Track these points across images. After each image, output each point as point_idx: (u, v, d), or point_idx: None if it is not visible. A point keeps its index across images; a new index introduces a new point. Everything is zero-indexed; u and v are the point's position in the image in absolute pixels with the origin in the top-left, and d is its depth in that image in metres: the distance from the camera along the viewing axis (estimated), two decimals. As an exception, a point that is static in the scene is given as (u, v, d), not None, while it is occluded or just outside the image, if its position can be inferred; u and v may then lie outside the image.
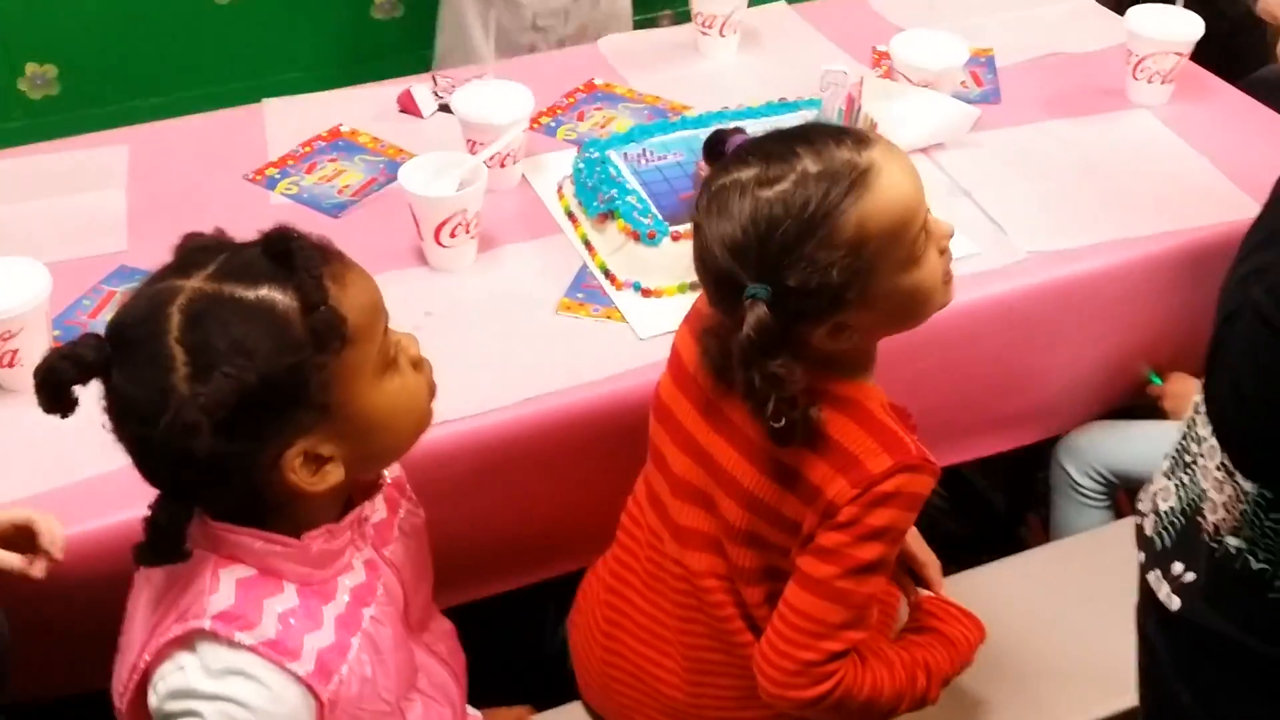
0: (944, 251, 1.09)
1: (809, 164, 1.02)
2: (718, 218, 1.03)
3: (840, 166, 1.02)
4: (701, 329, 1.13)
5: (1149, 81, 1.82)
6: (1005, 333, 1.53)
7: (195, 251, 0.96)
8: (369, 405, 0.98)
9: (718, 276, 1.04)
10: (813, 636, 1.07)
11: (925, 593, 1.28)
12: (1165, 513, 1.05)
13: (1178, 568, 1.02)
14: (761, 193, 1.01)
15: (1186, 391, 1.56)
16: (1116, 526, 1.64)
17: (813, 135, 1.05)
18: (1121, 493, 1.75)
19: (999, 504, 2.20)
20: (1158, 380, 1.67)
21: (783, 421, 1.01)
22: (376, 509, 1.12)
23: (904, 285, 1.05)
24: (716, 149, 1.10)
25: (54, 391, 0.92)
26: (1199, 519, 1.00)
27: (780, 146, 1.04)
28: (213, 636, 0.96)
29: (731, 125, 1.13)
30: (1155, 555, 1.05)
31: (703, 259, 1.06)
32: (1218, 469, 0.98)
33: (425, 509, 1.20)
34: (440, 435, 1.26)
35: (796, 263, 0.99)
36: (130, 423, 0.92)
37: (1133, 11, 1.83)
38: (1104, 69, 1.92)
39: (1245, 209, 1.58)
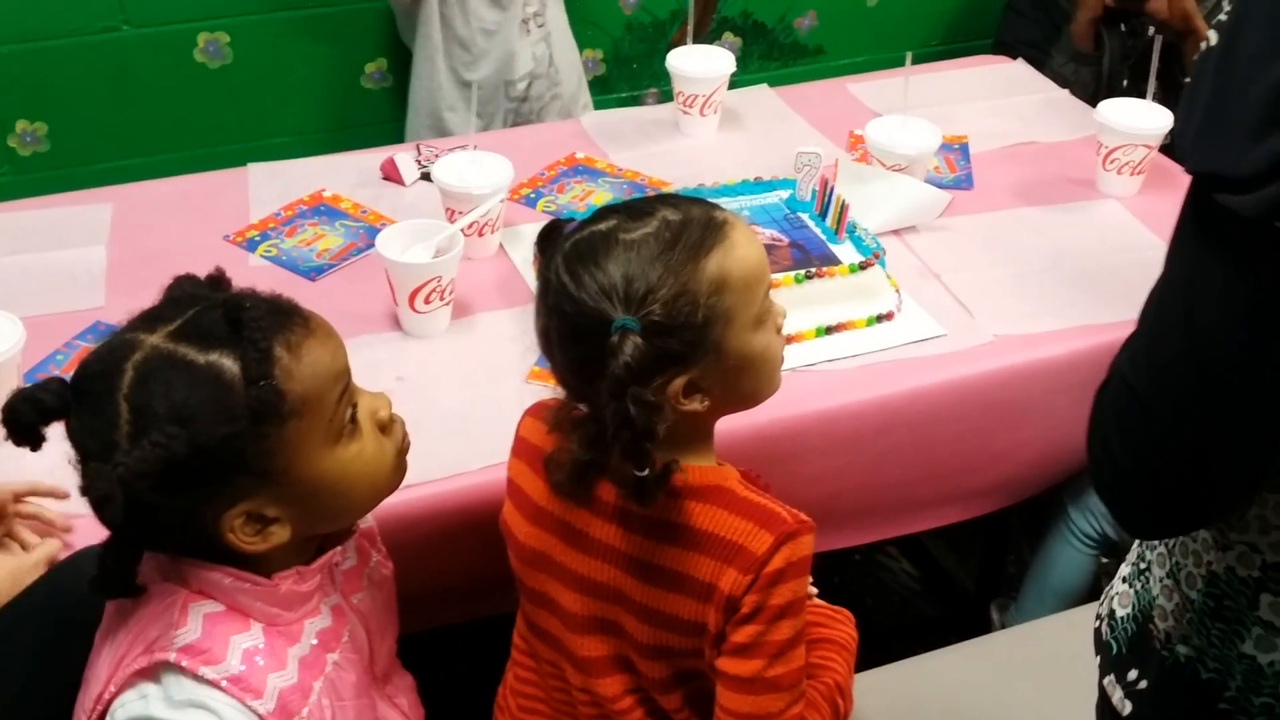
0: (779, 331, 1.10)
1: (668, 214, 1.03)
2: (579, 265, 1.01)
3: (699, 216, 1.04)
4: (544, 456, 1.11)
5: (1119, 173, 1.86)
6: (971, 413, 1.54)
7: (170, 305, 0.98)
8: (317, 472, 0.98)
9: (578, 324, 1.01)
10: None
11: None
12: (1121, 618, 1.04)
13: (1132, 674, 1.01)
14: (625, 235, 1.01)
15: None
16: (1079, 613, 1.65)
17: (667, 197, 1.08)
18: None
19: (969, 586, 2.20)
20: None
21: (647, 471, 0.98)
22: (347, 556, 1.12)
23: (755, 346, 1.05)
24: (551, 239, 1.08)
25: (16, 429, 0.94)
26: (1150, 626, 1.00)
27: (637, 204, 1.06)
28: (177, 669, 0.96)
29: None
30: (1110, 660, 1.05)
31: (559, 310, 1.02)
32: (1166, 576, 0.98)
33: (388, 570, 1.19)
34: (407, 498, 1.26)
35: (662, 298, 0.99)
36: (83, 466, 0.93)
37: (1104, 104, 1.87)
38: (1075, 159, 1.96)
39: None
